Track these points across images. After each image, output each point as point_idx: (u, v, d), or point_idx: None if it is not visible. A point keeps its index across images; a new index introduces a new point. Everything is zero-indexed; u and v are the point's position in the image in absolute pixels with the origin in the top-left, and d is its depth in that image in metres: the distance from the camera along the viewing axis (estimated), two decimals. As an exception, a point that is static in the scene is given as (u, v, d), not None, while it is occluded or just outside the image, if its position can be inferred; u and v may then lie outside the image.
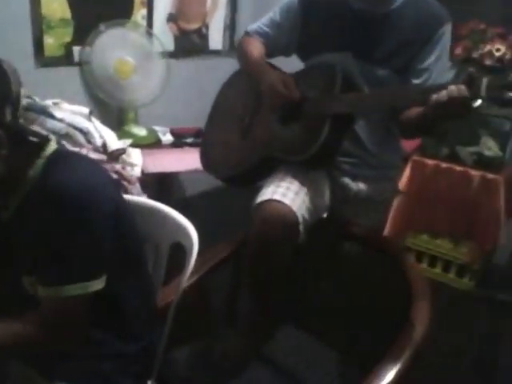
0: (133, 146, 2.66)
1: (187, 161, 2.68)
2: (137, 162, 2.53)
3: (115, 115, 2.96)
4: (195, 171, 2.09)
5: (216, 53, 3.38)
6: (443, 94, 1.28)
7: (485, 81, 1.21)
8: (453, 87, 1.27)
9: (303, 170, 1.66)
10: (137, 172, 2.46)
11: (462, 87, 1.25)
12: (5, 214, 1.17)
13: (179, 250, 1.41)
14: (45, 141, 1.17)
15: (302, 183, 1.63)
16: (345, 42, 1.62)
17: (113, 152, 2.33)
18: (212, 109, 2.03)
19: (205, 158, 1.98)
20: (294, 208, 1.54)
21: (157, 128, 3.08)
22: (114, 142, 2.37)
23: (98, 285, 1.12)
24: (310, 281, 1.81)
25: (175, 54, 3.07)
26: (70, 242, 1.08)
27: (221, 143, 1.94)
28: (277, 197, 1.56)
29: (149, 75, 2.88)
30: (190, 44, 3.26)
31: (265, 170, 1.72)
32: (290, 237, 1.56)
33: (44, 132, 2.17)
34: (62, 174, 1.10)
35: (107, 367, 1.25)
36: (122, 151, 2.40)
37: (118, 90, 2.83)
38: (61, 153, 1.18)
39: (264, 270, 1.63)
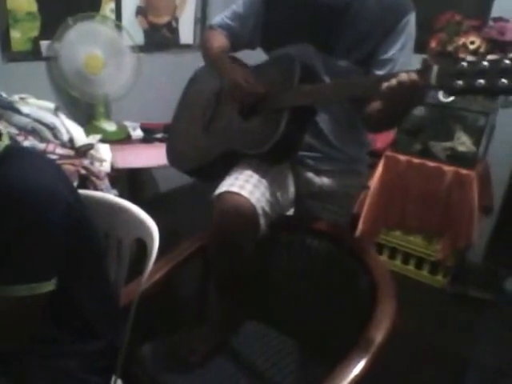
0: (102, 141, 2.63)
1: (157, 156, 2.64)
2: (106, 157, 2.50)
3: (85, 110, 2.92)
4: (166, 167, 2.08)
5: (187, 47, 3.36)
6: (393, 81, 1.26)
7: (435, 69, 1.20)
8: (403, 74, 1.26)
9: (265, 163, 1.65)
10: (106, 167, 2.43)
11: (413, 74, 1.25)
12: None
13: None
14: None
15: (263, 176, 1.62)
16: (306, 33, 1.61)
17: (80, 147, 2.30)
18: (178, 104, 2.02)
19: (170, 153, 1.98)
20: (253, 200, 1.53)
21: (127, 123, 3.05)
22: (81, 138, 2.34)
23: (48, 286, 1.10)
24: (276, 277, 1.80)
25: (145, 48, 3.04)
26: (19, 242, 1.06)
27: (184, 137, 1.93)
28: (234, 189, 1.54)
29: (119, 70, 2.85)
30: (160, 38, 3.23)
31: (226, 164, 1.70)
32: (248, 229, 1.54)
33: (10, 127, 2.15)
34: (14, 172, 1.07)
35: (69, 364, 1.24)
36: (90, 147, 2.37)
37: (88, 85, 2.79)
38: (12, 150, 1.15)
39: (225, 263, 1.62)
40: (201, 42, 1.96)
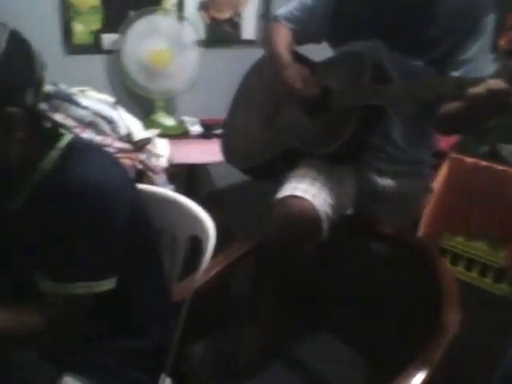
0: (160, 136, 2.62)
1: (215, 152, 2.62)
2: (163, 152, 2.48)
3: (144, 104, 2.92)
4: (224, 163, 2.05)
5: (249, 43, 3.29)
6: (481, 87, 1.18)
7: None
8: (491, 81, 1.18)
9: (327, 164, 1.59)
10: (162, 162, 2.41)
11: (501, 82, 1.17)
12: (13, 204, 1.14)
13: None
14: (60, 131, 1.13)
15: (326, 179, 1.57)
16: (378, 29, 1.53)
17: (137, 142, 2.30)
18: (233, 99, 1.98)
19: (226, 149, 1.94)
20: (316, 204, 1.48)
21: (185, 118, 3.03)
22: (139, 132, 2.34)
23: (107, 285, 1.09)
24: (334, 281, 1.75)
25: (206, 43, 3.00)
26: (81, 241, 1.05)
27: (241, 134, 1.89)
28: (298, 193, 1.50)
29: (183, 65, 2.82)
30: (221, 33, 3.19)
31: (286, 163, 1.66)
32: (311, 233, 1.50)
33: (67, 120, 2.16)
34: (77, 169, 1.05)
35: (114, 361, 1.23)
36: (147, 141, 2.36)
37: (151, 80, 2.78)
38: (76, 145, 1.13)
39: (283, 265, 1.58)
40: (264, 33, 1.91)
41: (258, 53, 1.89)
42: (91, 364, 1.21)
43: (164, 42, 2.73)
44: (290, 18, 1.75)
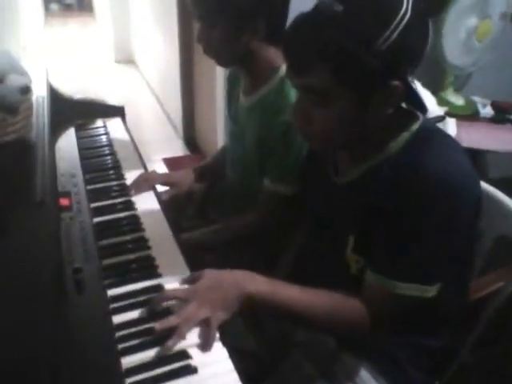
0: (447, 114, 2.46)
1: (506, 140, 2.36)
2: (451, 132, 2.33)
3: (431, 81, 2.75)
4: (505, 154, 1.81)
5: None
6: None
7: None
8: None
9: None
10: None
11: None
12: (342, 178, 1.10)
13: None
14: (414, 113, 1.04)
15: None
16: None
17: (431, 119, 2.18)
18: None
19: None
20: None
21: (476, 99, 2.79)
22: (433, 108, 2.22)
23: (434, 291, 0.98)
24: None
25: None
26: (423, 236, 0.94)
27: None
28: None
29: (492, 37, 2.59)
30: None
31: None
32: None
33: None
34: (428, 157, 0.94)
35: (401, 355, 1.14)
36: (441, 119, 2.23)
37: (462, 54, 2.60)
38: (425, 129, 1.02)
39: None
40: None
41: None
42: (383, 357, 1.15)
43: (479, 15, 2.53)
44: None
